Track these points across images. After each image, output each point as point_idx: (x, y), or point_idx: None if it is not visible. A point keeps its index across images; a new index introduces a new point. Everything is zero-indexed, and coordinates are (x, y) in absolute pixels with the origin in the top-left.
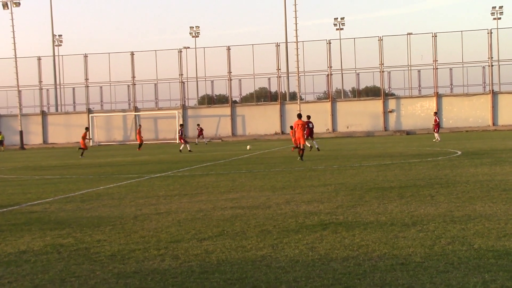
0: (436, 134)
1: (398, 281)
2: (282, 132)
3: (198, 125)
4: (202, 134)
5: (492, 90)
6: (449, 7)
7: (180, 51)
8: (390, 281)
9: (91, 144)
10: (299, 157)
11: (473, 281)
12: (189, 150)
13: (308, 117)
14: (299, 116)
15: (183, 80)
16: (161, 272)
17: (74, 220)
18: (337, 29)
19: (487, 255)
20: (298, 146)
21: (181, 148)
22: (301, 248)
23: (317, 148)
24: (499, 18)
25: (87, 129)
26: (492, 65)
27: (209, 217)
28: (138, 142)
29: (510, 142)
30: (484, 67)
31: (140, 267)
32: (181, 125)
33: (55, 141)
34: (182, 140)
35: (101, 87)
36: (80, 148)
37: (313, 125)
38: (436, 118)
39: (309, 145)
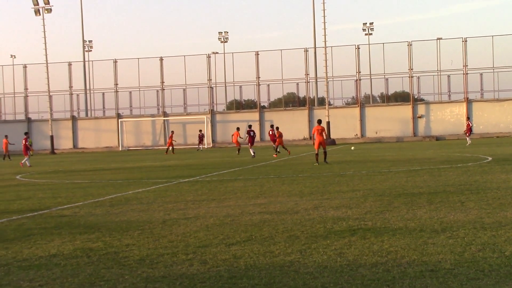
0: (468, 138)
1: None
2: (310, 138)
3: (200, 130)
4: (202, 140)
5: None
6: (479, 12)
7: (209, 56)
8: None
9: (124, 148)
10: (317, 162)
11: None
12: (278, 151)
13: (250, 126)
14: (319, 122)
15: (212, 85)
16: (190, 276)
17: (103, 224)
18: (365, 34)
19: None
20: (319, 150)
21: (278, 150)
22: (329, 254)
23: (253, 155)
24: None
25: (238, 129)
26: None
27: (237, 222)
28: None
29: None
30: None
31: (168, 271)
32: (271, 126)
33: (85, 146)
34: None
35: (130, 92)
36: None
37: (254, 134)
38: (469, 122)
39: (253, 152)
